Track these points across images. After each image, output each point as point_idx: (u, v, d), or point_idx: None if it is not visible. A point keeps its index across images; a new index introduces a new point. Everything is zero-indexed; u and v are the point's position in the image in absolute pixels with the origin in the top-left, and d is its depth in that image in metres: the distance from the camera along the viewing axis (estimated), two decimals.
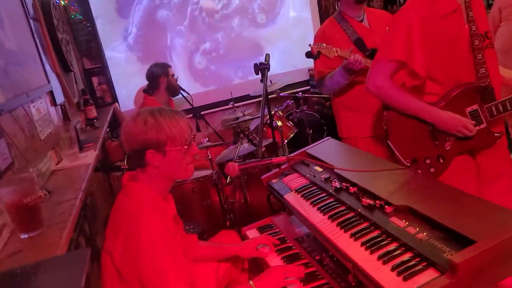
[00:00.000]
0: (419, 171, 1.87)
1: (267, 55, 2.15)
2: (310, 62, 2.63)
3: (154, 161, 1.44)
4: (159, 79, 3.49)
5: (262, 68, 2.04)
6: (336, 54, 2.26)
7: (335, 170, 1.69)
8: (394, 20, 1.92)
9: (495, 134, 1.87)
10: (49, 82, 2.37)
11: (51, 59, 2.61)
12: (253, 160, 1.58)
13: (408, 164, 1.86)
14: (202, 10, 4.62)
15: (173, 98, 3.76)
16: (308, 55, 2.25)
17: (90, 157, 2.08)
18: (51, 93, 2.42)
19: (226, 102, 4.33)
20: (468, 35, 1.80)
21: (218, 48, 4.74)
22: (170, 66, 3.62)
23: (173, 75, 3.61)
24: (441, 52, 1.81)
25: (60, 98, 2.58)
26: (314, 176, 1.83)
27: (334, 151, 2.03)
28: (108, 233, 1.44)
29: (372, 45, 2.41)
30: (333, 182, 1.67)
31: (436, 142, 1.87)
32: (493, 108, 1.82)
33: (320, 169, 1.86)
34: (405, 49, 1.80)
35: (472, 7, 1.82)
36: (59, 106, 2.50)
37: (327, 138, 2.16)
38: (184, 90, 3.86)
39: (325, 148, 2.07)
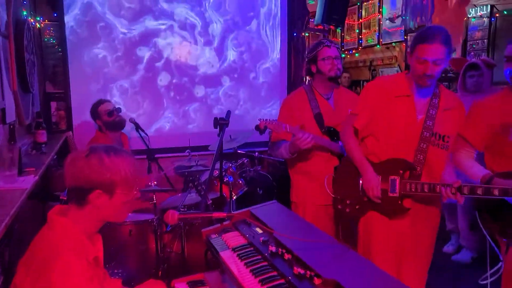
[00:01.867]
0: (339, 207, 2.30)
1: (228, 112, 2.22)
2: None
3: (97, 202, 1.38)
4: (95, 121, 3.44)
5: (221, 124, 2.10)
6: (285, 130, 2.41)
7: (274, 234, 1.71)
8: (363, 88, 2.40)
9: (404, 207, 2.12)
10: (3, 99, 2.31)
11: (11, 77, 2.56)
12: (194, 211, 1.58)
13: (333, 196, 2.32)
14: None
15: (130, 135, 3.72)
16: (256, 128, 2.42)
17: (27, 182, 2.00)
18: (2, 111, 2.35)
19: (183, 149, 4.33)
20: (421, 125, 2.08)
21: (186, 97, 4.83)
22: (102, 103, 3.49)
23: (108, 110, 3.45)
24: (387, 122, 2.13)
25: (11, 116, 2.50)
26: (253, 237, 1.84)
27: (277, 215, 2.06)
28: (21, 265, 1.34)
29: (330, 123, 2.54)
30: (270, 246, 1.68)
31: (360, 192, 2.22)
32: (408, 185, 2.06)
33: (260, 231, 1.87)
34: (358, 108, 2.24)
35: (439, 110, 2.09)
36: (8, 125, 2.42)
37: (273, 201, 2.20)
38: (142, 130, 3.84)
39: (269, 211, 2.09)
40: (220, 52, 4.94)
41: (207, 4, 4.80)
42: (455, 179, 2.01)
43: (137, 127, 3.89)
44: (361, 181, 2.22)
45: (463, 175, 2.15)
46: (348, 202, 2.26)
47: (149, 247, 2.98)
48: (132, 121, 3.87)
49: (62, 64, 4.13)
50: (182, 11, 4.78)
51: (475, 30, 4.68)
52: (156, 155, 4.20)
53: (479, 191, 1.89)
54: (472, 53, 4.69)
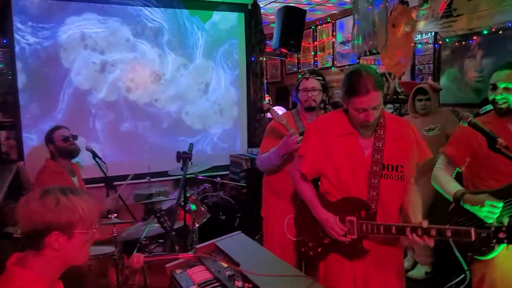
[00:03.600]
0: (302, 250, 2.20)
1: (191, 145, 2.23)
2: (234, 149, 2.81)
3: (55, 244, 1.33)
4: (48, 147, 3.33)
5: (184, 157, 2.09)
6: (281, 121, 2.52)
7: (240, 269, 1.71)
8: (306, 129, 2.30)
9: (364, 249, 2.04)
10: None
11: None
12: (159, 253, 1.56)
13: (294, 239, 2.24)
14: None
15: (87, 163, 3.61)
16: (260, 109, 2.45)
17: None
18: None
19: (142, 176, 4.25)
20: (369, 160, 2.03)
21: (142, 124, 4.78)
22: (58, 129, 3.37)
23: (64, 136, 3.33)
24: (334, 163, 2.08)
25: None
26: (219, 271, 1.83)
27: (243, 247, 2.07)
28: None
29: None
30: (236, 281, 1.69)
31: (321, 234, 2.13)
32: (364, 226, 2.00)
33: (226, 264, 1.87)
34: (303, 151, 2.17)
35: (387, 140, 2.05)
36: None
37: (238, 232, 2.21)
38: (99, 158, 3.76)
39: (234, 243, 2.10)
40: (175, 77, 4.96)
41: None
42: (420, 219, 1.94)
43: (94, 155, 3.81)
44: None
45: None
46: (310, 244, 2.17)
47: (109, 281, 2.88)
48: (89, 149, 3.78)
49: (12, 92, 3.97)
50: (143, 44, 4.82)
51: (421, 54, 4.99)
52: (115, 183, 4.11)
53: (448, 233, 1.79)
54: (420, 76, 4.98)
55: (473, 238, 1.73)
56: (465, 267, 2.24)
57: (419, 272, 3.82)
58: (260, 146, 2.86)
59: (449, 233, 1.80)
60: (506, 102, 2.14)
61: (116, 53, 4.74)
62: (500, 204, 1.98)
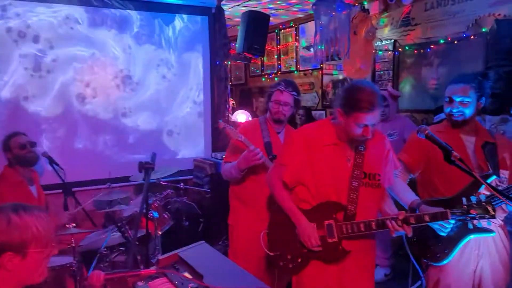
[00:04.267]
0: (281, 263, 2.16)
1: (154, 154, 2.18)
2: (197, 152, 2.78)
3: (9, 265, 1.28)
4: (5, 154, 3.16)
5: (146, 168, 2.05)
6: (239, 138, 2.50)
7: (203, 283, 1.70)
8: (289, 137, 2.31)
9: (345, 250, 2.09)
10: None
11: None
12: (120, 270, 1.52)
13: (272, 254, 2.18)
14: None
15: (46, 170, 3.48)
16: (215, 127, 2.42)
17: None
18: None
19: (102, 182, 4.12)
20: (351, 167, 2.09)
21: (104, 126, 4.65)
22: (14, 136, 3.21)
23: (21, 143, 3.17)
24: (317, 172, 2.10)
25: None
26: (182, 283, 1.81)
27: (206, 257, 2.05)
28: None
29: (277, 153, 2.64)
30: None
31: (298, 245, 2.13)
32: (344, 227, 2.07)
33: (189, 276, 1.85)
34: (286, 159, 2.17)
35: (368, 148, 2.12)
36: None
37: (201, 242, 2.18)
38: (56, 164, 3.64)
39: (198, 253, 2.07)
40: (142, 81, 4.86)
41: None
42: (397, 211, 2.05)
43: (51, 161, 3.67)
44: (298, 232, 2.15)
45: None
46: (289, 257, 2.14)
47: None
48: (46, 155, 3.66)
49: None
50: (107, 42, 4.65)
51: (381, 61, 5.14)
52: (74, 189, 3.97)
53: (426, 218, 1.95)
54: (380, 82, 5.13)
55: (449, 218, 1.94)
56: (421, 274, 2.34)
57: (378, 274, 3.93)
58: (225, 154, 2.86)
59: (427, 218, 1.96)
60: (462, 115, 2.23)
61: (83, 47, 4.51)
62: (452, 221, 2.07)
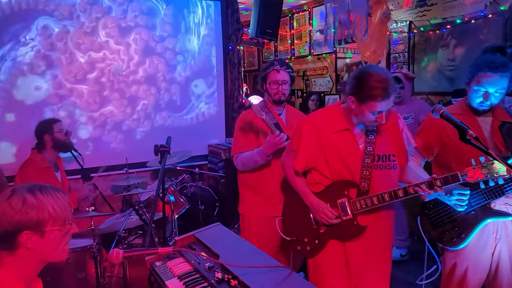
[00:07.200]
0: (299, 247, 2.20)
1: (169, 138, 2.21)
2: (212, 138, 2.74)
3: (28, 243, 1.32)
4: (43, 137, 3.27)
5: (162, 151, 2.08)
6: (262, 117, 2.45)
7: (219, 261, 1.74)
8: (298, 124, 2.27)
9: (360, 226, 2.10)
10: None
11: None
12: (139, 248, 1.57)
13: (289, 239, 2.21)
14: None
15: (64, 157, 3.56)
16: (241, 105, 2.39)
17: None
18: None
19: (120, 167, 4.20)
20: (363, 150, 2.09)
21: (118, 116, 4.71)
22: (56, 122, 3.36)
23: (62, 130, 3.34)
24: (329, 158, 2.11)
25: None
26: (199, 263, 1.85)
27: (222, 238, 2.09)
28: None
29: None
30: (216, 273, 1.71)
31: (314, 226, 2.16)
32: (357, 203, 2.08)
33: (205, 256, 1.89)
34: (296, 145, 2.18)
35: (379, 132, 2.11)
36: None
37: (217, 224, 2.23)
38: (75, 150, 3.70)
39: (213, 234, 2.12)
40: (155, 66, 4.88)
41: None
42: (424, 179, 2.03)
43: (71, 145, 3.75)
44: (311, 214, 2.17)
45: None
46: (306, 240, 2.17)
47: (88, 274, 2.87)
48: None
49: None
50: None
51: (397, 43, 5.06)
52: (92, 174, 4.06)
53: (438, 183, 1.94)
54: (395, 65, 5.06)
55: (460, 180, 1.91)
56: (437, 258, 2.33)
57: (394, 254, 3.93)
58: (233, 145, 2.80)
59: (439, 183, 1.94)
60: (490, 105, 2.16)
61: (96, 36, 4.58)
62: (467, 192, 2.05)
